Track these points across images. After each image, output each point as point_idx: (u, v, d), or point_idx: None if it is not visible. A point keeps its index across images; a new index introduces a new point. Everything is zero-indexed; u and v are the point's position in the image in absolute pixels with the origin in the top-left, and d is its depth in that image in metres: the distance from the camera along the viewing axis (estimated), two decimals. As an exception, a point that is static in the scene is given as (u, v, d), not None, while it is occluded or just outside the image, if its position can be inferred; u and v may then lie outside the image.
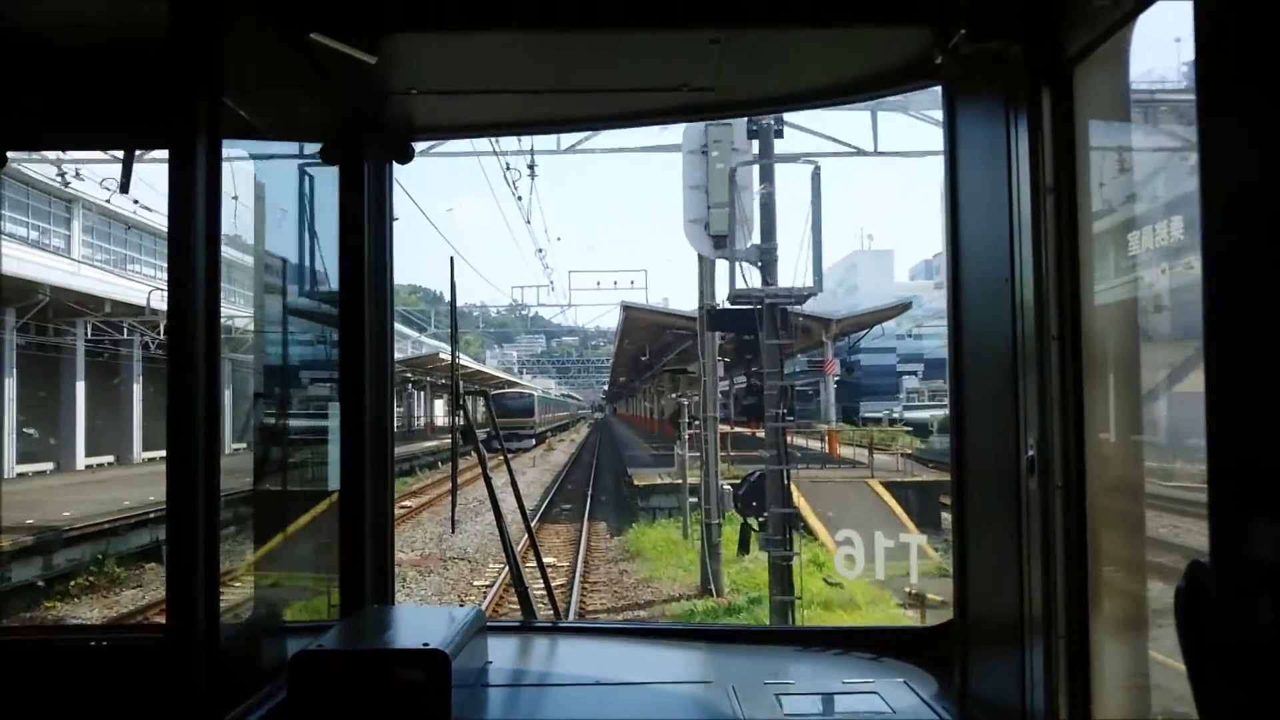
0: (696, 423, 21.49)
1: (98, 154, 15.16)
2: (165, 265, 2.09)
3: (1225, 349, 1.18)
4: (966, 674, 2.54)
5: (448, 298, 3.95)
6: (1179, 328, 2.03)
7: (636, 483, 27.85)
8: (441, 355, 49.81)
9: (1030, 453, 2.15)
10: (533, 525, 3.80)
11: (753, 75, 2.96)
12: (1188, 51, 1.33)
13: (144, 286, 30.86)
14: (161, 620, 2.44)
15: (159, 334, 31.31)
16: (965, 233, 2.55)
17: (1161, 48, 2.03)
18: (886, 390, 67.59)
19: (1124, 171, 2.18)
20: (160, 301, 30.35)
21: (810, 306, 17.34)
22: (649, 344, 49.00)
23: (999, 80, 2.27)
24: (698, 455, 20.97)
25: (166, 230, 2.06)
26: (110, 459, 33.14)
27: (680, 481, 23.33)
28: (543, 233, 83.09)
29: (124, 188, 2.94)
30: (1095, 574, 2.05)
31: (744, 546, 15.59)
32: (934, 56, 2.53)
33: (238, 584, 2.94)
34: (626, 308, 37.40)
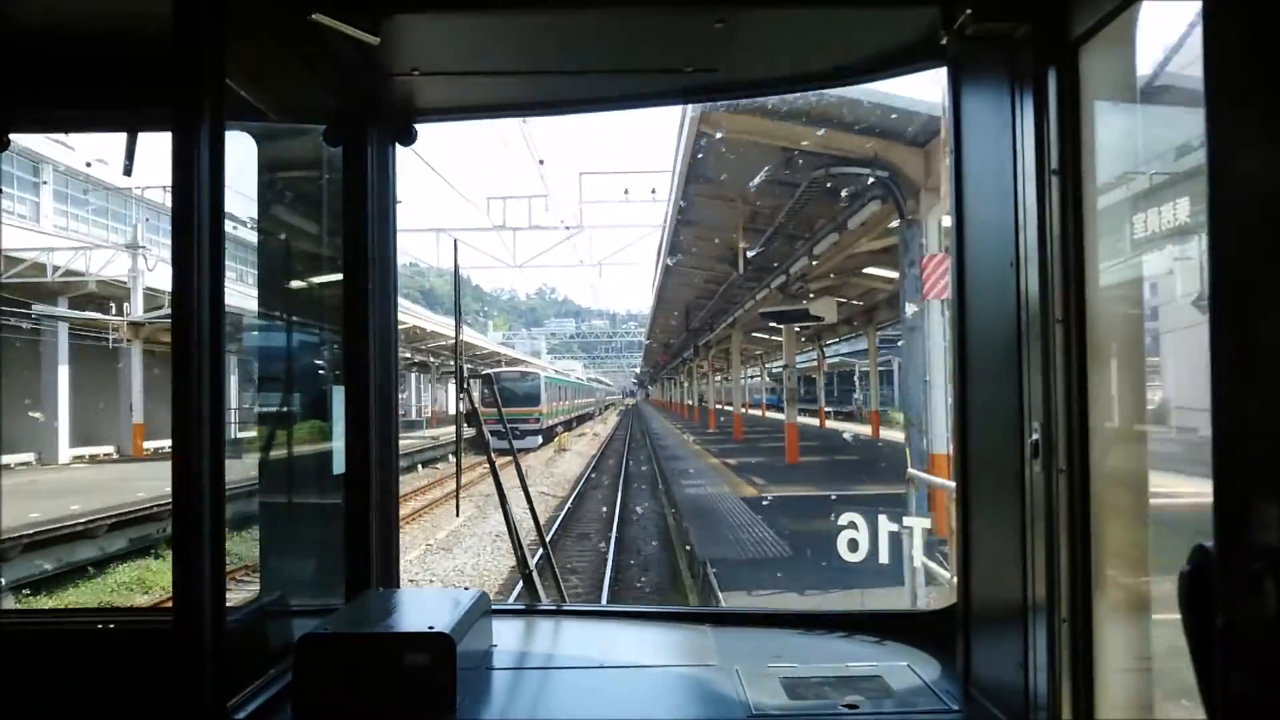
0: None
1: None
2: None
3: (1230, 331, 1.23)
4: (969, 657, 2.65)
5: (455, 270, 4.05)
6: (1183, 311, 2.13)
7: None
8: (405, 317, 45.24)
9: (1034, 436, 2.23)
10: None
11: (757, 57, 3.08)
12: (1196, 33, 1.42)
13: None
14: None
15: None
16: (970, 215, 2.64)
17: (1169, 28, 2.12)
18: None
19: (1130, 153, 2.27)
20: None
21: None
22: (754, 221, 23.30)
23: (1004, 61, 2.36)
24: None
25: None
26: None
27: None
28: (545, 146, 74.25)
29: (128, 170, 3.13)
30: (1098, 558, 2.15)
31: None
32: (939, 37, 2.62)
33: (244, 568, 3.12)
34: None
